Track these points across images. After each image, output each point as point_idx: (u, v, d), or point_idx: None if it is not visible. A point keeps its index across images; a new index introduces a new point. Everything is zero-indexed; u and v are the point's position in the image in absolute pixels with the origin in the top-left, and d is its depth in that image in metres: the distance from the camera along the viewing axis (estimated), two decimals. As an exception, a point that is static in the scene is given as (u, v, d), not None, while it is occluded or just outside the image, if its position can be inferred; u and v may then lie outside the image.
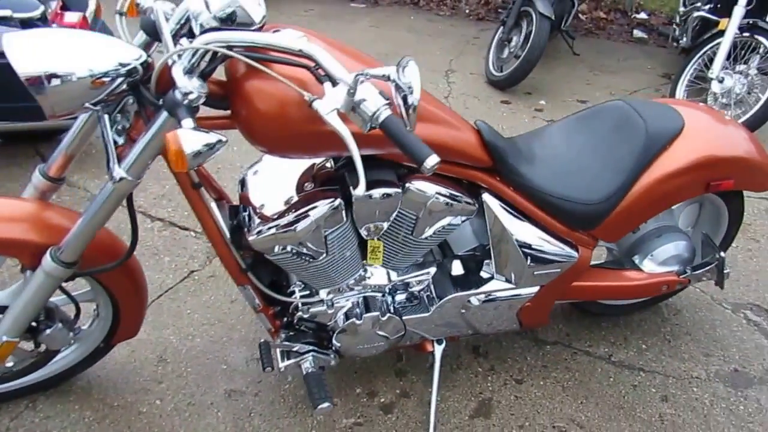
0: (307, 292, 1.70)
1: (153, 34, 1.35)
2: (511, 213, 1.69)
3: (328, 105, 1.14)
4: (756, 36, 3.53)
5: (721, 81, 3.61)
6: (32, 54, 1.16)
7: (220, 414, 1.88)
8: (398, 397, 1.97)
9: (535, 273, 1.76)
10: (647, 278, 1.97)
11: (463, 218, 1.66)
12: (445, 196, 1.57)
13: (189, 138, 1.09)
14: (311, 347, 1.75)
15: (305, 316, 1.70)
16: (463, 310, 1.80)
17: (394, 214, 1.55)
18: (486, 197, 1.67)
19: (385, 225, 1.56)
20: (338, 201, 1.48)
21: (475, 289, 1.78)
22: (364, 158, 1.52)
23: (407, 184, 1.52)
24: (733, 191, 1.94)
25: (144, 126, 1.31)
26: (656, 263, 1.99)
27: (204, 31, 1.20)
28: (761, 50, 3.56)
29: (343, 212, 1.50)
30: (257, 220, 1.53)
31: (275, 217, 1.48)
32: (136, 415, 1.87)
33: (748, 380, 2.11)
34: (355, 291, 1.71)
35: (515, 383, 2.05)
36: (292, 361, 1.72)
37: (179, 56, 1.19)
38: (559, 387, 2.05)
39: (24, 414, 1.84)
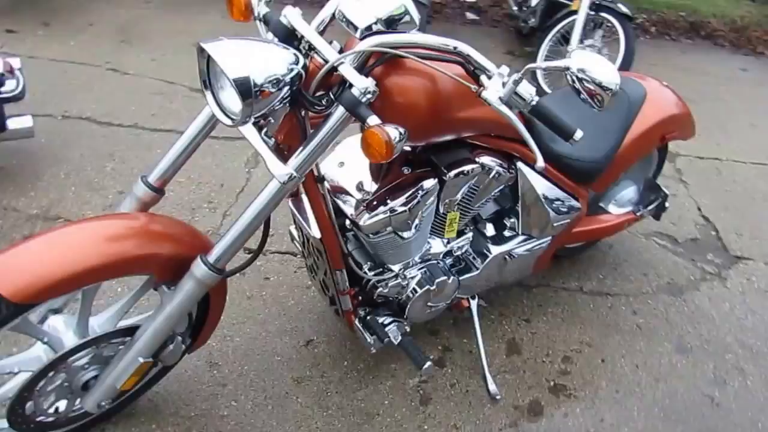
0: (379, 270, 1.88)
1: (284, 38, 1.41)
2: (539, 177, 2.01)
3: (495, 94, 1.34)
4: (601, 13, 4.17)
5: None
6: (240, 63, 1.19)
7: (301, 400, 1.98)
8: (443, 352, 2.22)
9: (554, 224, 2.11)
10: (616, 218, 2.44)
11: (502, 186, 1.95)
12: (501, 167, 1.85)
13: (390, 131, 1.24)
14: (391, 318, 1.93)
15: (384, 291, 1.87)
16: (501, 265, 2.10)
17: (466, 188, 1.80)
18: (520, 165, 1.97)
19: (458, 198, 1.80)
20: (435, 181, 1.69)
21: (506, 245, 2.09)
22: (447, 142, 1.75)
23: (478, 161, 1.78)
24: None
25: (292, 127, 1.41)
26: (618, 206, 2.47)
27: (369, 35, 1.34)
28: (604, 26, 4.24)
29: (437, 191, 1.71)
30: (360, 206, 1.68)
31: (385, 200, 1.65)
32: (220, 419, 1.90)
33: (679, 288, 2.70)
34: (419, 262, 1.93)
35: (525, 323, 2.41)
36: (384, 331, 1.88)
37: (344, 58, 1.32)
38: (559, 319, 2.45)
39: (100, 445, 1.78)
